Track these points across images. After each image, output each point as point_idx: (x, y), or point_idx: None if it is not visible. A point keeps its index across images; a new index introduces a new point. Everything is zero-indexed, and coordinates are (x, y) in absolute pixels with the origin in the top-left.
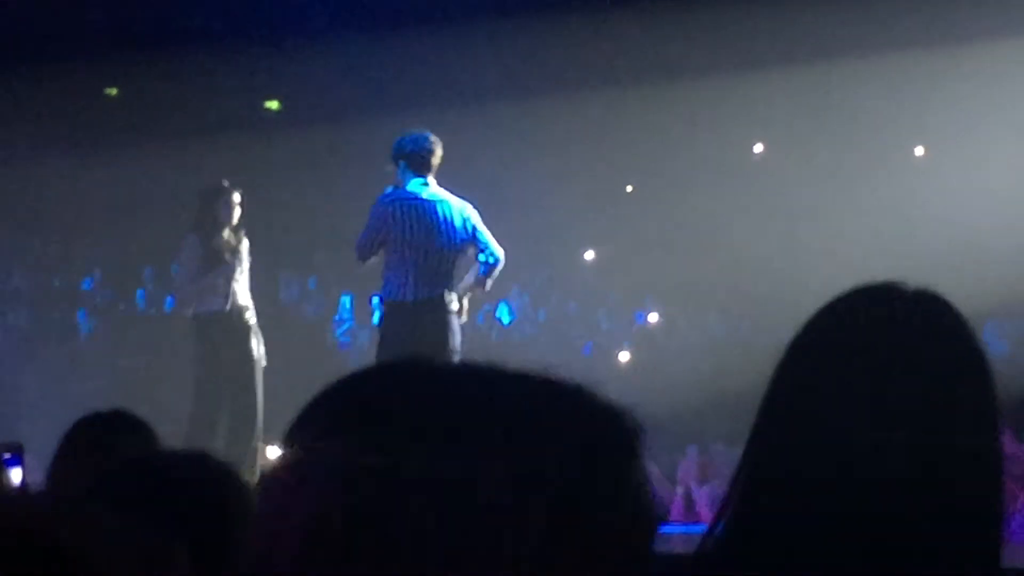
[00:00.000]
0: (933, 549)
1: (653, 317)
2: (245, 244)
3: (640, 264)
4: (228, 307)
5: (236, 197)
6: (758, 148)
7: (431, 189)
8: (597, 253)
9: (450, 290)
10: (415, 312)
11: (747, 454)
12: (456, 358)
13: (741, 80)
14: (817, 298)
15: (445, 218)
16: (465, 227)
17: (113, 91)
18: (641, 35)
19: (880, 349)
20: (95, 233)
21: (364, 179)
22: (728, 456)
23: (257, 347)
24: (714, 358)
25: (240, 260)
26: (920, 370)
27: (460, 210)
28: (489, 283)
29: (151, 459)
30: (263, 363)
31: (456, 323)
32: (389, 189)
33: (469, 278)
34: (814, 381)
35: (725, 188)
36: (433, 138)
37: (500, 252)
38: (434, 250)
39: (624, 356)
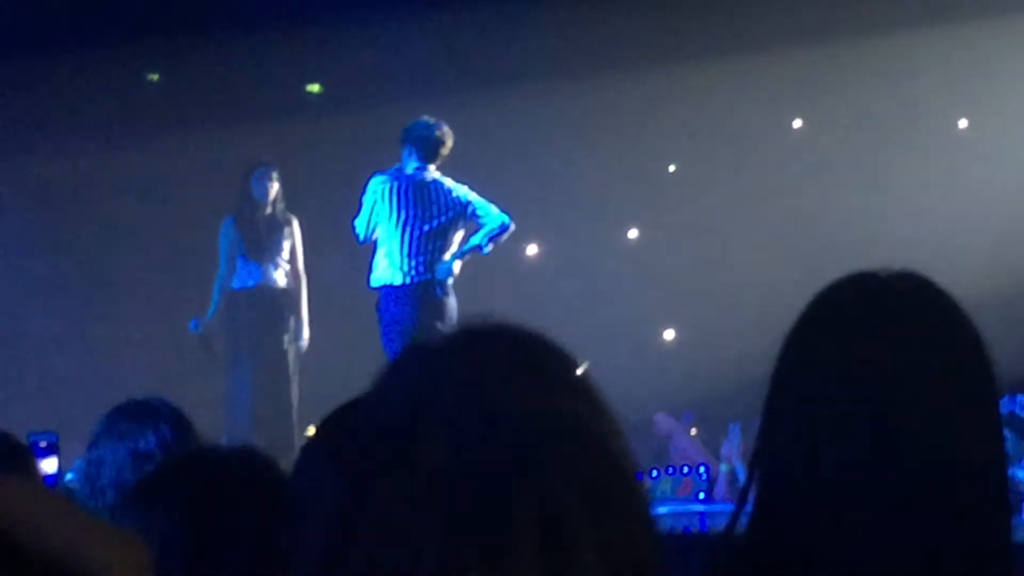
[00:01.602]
0: (942, 539)
1: (694, 293)
2: (292, 223)
3: (683, 242)
4: (259, 284)
5: (273, 174)
6: (797, 124)
7: (429, 173)
8: (640, 232)
9: (444, 271)
10: (411, 294)
11: (758, 441)
12: None
13: (780, 55)
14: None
15: (438, 195)
16: (460, 201)
17: (155, 76)
18: (680, 13)
19: (869, 340)
20: (137, 219)
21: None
22: None
23: (294, 329)
24: (758, 336)
25: (280, 239)
26: (913, 356)
27: (455, 187)
28: (490, 246)
29: (198, 456)
30: (303, 346)
31: (452, 305)
32: (385, 171)
33: (465, 245)
34: (808, 379)
35: (767, 163)
36: (446, 128)
37: (506, 217)
38: (428, 227)
39: (669, 334)
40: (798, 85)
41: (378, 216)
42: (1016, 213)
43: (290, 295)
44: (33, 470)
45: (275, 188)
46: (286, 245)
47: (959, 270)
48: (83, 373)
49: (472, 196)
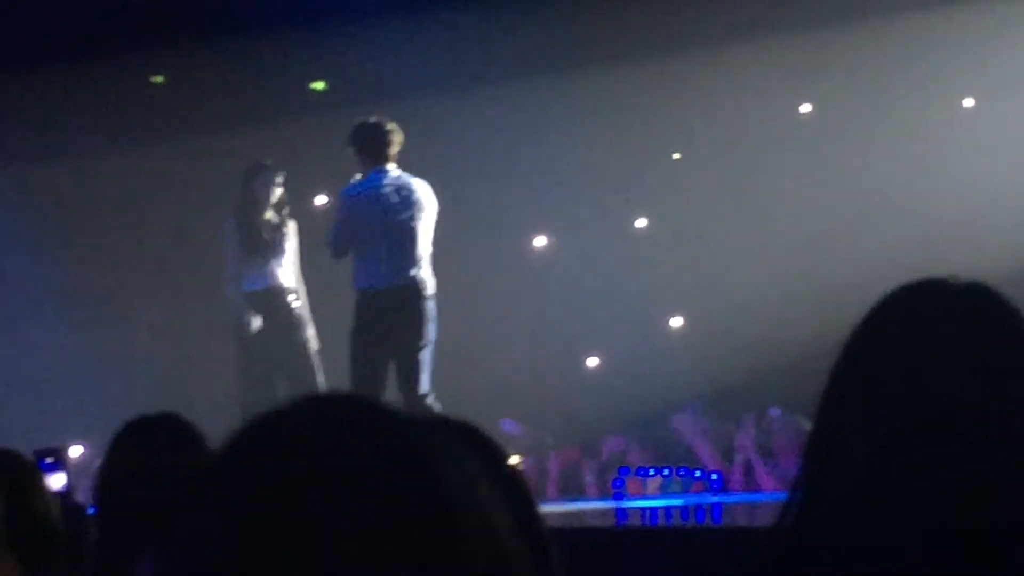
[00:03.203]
0: (996, 539)
1: (703, 281)
2: (290, 225)
3: (691, 231)
4: (267, 287)
5: (277, 177)
6: (805, 108)
7: (391, 175)
8: (649, 221)
9: (424, 274)
10: (388, 298)
11: (813, 440)
12: (431, 348)
13: (785, 40)
14: (871, 259)
15: (408, 200)
16: (429, 204)
17: (159, 79)
18: (686, 0)
19: (936, 349)
20: (145, 223)
21: (412, 158)
22: (785, 422)
23: (305, 329)
24: (768, 323)
25: (282, 240)
26: (978, 364)
27: (421, 189)
28: None
29: None
30: (314, 345)
31: (433, 309)
32: (353, 182)
33: None
34: (873, 385)
35: (773, 149)
36: (391, 125)
37: None
38: (402, 235)
39: (677, 322)
40: (805, 70)
41: (354, 227)
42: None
43: (296, 295)
44: (40, 487)
45: (278, 190)
46: (289, 246)
47: (969, 250)
48: (92, 381)
49: (432, 200)
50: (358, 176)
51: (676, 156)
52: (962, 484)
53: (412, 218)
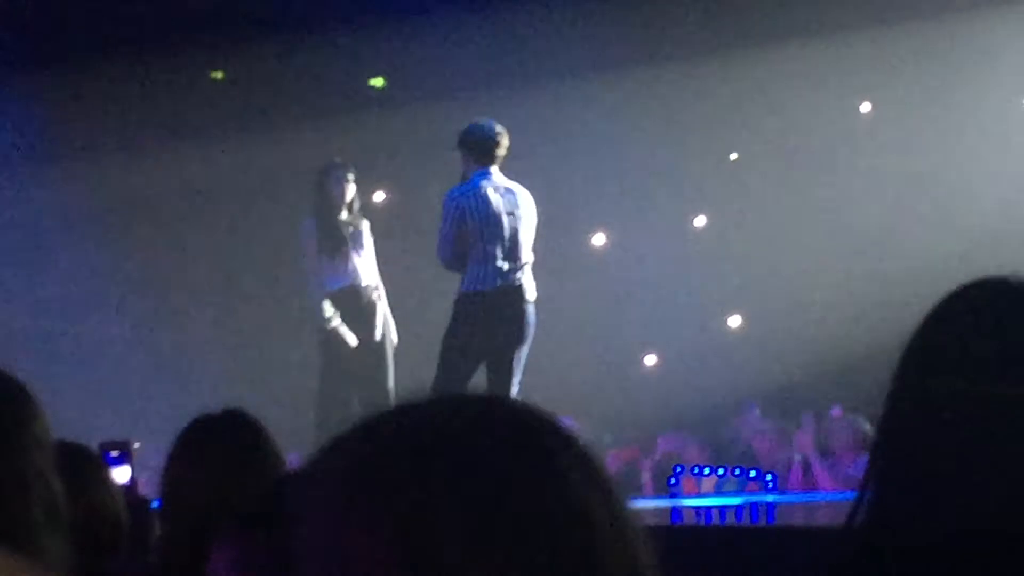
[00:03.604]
0: None
1: (762, 281)
2: (365, 223)
3: (750, 229)
4: (349, 286)
5: (349, 175)
6: (865, 107)
7: (495, 179)
8: (708, 219)
9: (527, 278)
10: (493, 301)
11: (880, 438)
12: (526, 352)
13: (845, 39)
14: (930, 257)
15: (514, 206)
16: (532, 209)
17: (219, 74)
18: None
19: (1000, 345)
20: (204, 218)
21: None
22: (845, 422)
23: (385, 327)
24: (826, 322)
25: (360, 237)
26: None
27: (524, 193)
28: None
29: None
30: (394, 342)
31: (533, 314)
32: (455, 187)
33: None
34: (939, 383)
35: (833, 148)
36: (499, 128)
37: None
38: (508, 237)
39: (735, 321)
40: (866, 68)
41: (461, 231)
42: None
43: (378, 292)
44: (106, 480)
45: (352, 188)
46: (367, 243)
47: None
48: (152, 377)
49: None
50: (461, 176)
51: (733, 156)
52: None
53: (517, 221)
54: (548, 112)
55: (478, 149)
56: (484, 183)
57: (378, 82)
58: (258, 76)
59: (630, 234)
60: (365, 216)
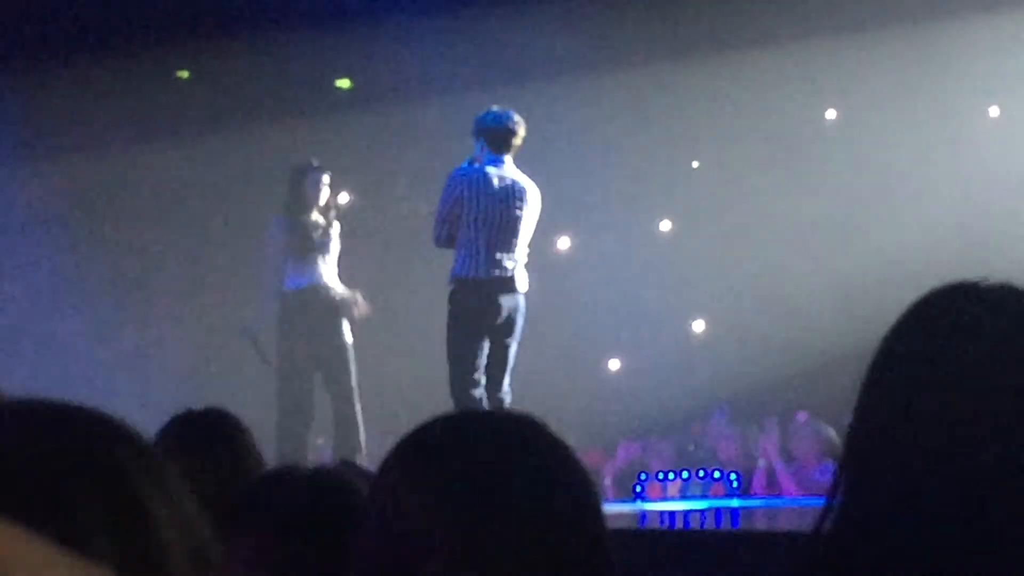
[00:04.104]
0: None
1: (725, 285)
2: (336, 226)
3: (715, 234)
4: (309, 286)
5: (325, 177)
6: (831, 114)
7: (505, 168)
8: (672, 224)
9: (521, 269)
10: (486, 289)
11: (849, 444)
12: (517, 344)
13: (811, 45)
14: (895, 263)
15: (517, 195)
16: (536, 204)
17: (184, 74)
18: (711, 5)
19: (971, 351)
20: (169, 218)
21: (437, 157)
22: (810, 428)
23: (342, 327)
24: (790, 328)
25: (328, 240)
26: (1009, 366)
27: (532, 187)
28: None
29: (287, 475)
30: (350, 342)
31: (523, 305)
32: (465, 163)
33: None
34: (909, 389)
35: (798, 154)
36: (517, 118)
37: None
38: (506, 226)
39: (699, 325)
40: (832, 75)
41: (457, 211)
42: None
43: (341, 294)
44: None
45: (327, 191)
46: (333, 246)
47: (995, 255)
48: (116, 375)
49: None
50: (470, 159)
51: (695, 164)
52: (1003, 488)
53: (519, 213)
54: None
55: (493, 137)
56: (492, 169)
57: (344, 83)
58: (224, 76)
59: (594, 238)
60: (338, 219)
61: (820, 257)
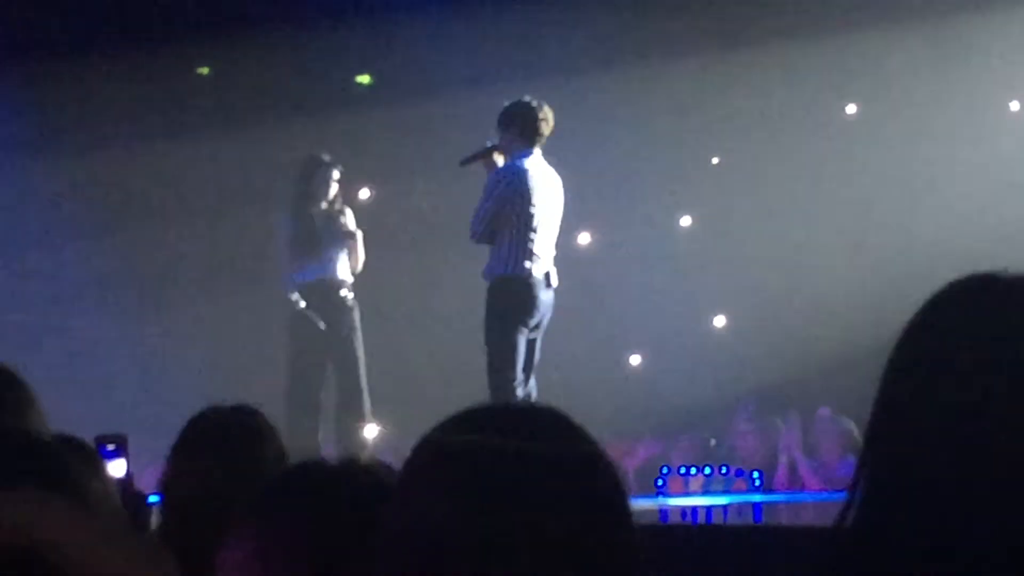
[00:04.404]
0: None
1: (747, 281)
2: (345, 218)
3: (734, 231)
4: (317, 279)
5: (335, 173)
6: (851, 109)
7: (540, 161)
8: (693, 219)
9: (553, 265)
10: (528, 286)
11: (868, 443)
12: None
13: (831, 40)
14: (915, 258)
15: (556, 191)
16: (562, 196)
17: (205, 70)
18: (732, 0)
19: (991, 342)
20: (189, 214)
21: (456, 153)
22: (832, 423)
23: (354, 321)
24: (814, 323)
25: (338, 232)
26: None
27: (560, 184)
28: None
29: (315, 470)
30: (360, 336)
31: (553, 300)
32: (511, 160)
33: None
34: (929, 381)
35: (819, 149)
36: (546, 107)
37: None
38: (546, 223)
39: (720, 321)
40: (852, 70)
41: (501, 210)
42: None
43: (349, 287)
44: (102, 474)
45: (335, 186)
46: (343, 238)
47: (1014, 251)
48: (134, 369)
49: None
50: (497, 150)
51: (715, 160)
52: (1019, 483)
53: (556, 207)
54: None
55: (523, 128)
56: (530, 165)
57: (364, 79)
58: (245, 72)
59: (615, 233)
60: (349, 211)
61: (841, 252)
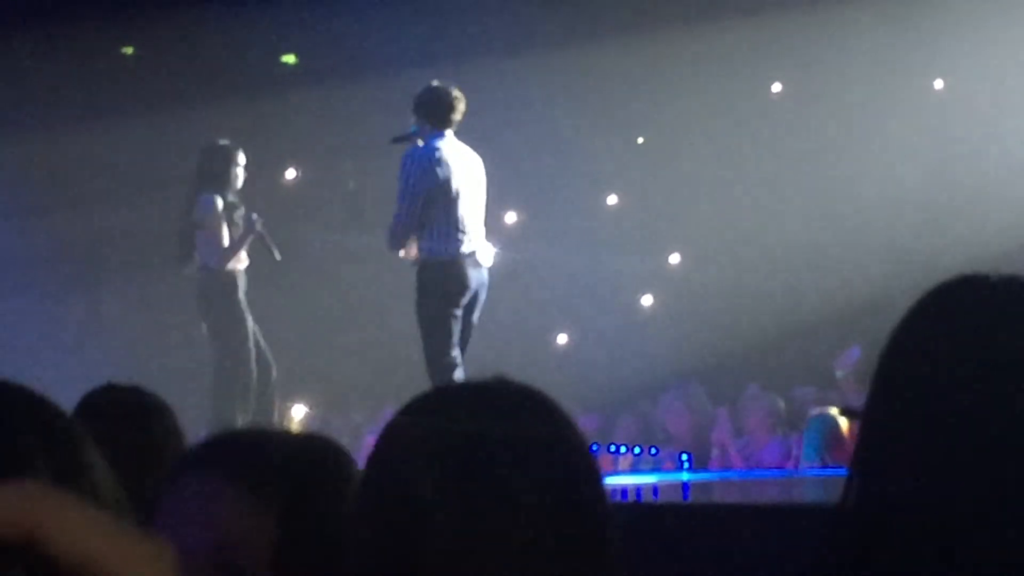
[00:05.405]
0: None
1: (674, 260)
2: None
3: (661, 210)
4: (243, 264)
5: (240, 157)
6: (776, 88)
7: (452, 141)
8: (619, 198)
9: (483, 244)
10: (457, 266)
11: (860, 447)
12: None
13: (757, 19)
14: (837, 236)
15: (472, 171)
16: (484, 175)
17: (129, 50)
18: None
19: (982, 344)
20: (114, 194)
21: (382, 133)
22: (760, 401)
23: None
24: (738, 302)
25: (244, 218)
26: (1020, 357)
27: (479, 162)
28: None
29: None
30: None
31: (487, 278)
32: (411, 148)
33: None
34: (920, 384)
35: (744, 128)
36: (456, 92)
37: None
38: (467, 202)
39: (647, 300)
40: (778, 49)
41: (421, 193)
42: (993, 171)
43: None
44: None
45: (242, 170)
46: (245, 225)
47: (939, 228)
48: (59, 349)
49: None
50: (409, 138)
51: (640, 140)
52: (1021, 477)
53: (476, 186)
54: (461, 91)
55: (434, 112)
56: (442, 146)
57: (290, 59)
58: (170, 52)
59: (541, 212)
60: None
61: (765, 231)
